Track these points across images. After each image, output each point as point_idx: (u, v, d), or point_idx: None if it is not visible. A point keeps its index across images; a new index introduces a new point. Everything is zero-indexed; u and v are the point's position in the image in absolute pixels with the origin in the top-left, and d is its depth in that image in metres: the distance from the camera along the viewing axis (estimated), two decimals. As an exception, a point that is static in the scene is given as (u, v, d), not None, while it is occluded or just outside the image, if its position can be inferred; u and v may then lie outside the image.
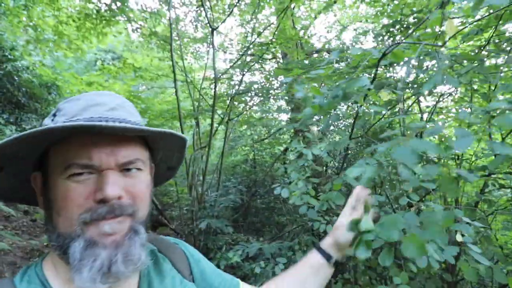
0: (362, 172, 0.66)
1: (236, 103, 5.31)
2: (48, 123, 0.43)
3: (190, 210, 4.99)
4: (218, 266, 3.15)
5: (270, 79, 4.79)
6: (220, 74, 5.04)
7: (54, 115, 0.44)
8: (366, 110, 1.26)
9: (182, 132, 5.97)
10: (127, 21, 5.13)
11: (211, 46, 4.80)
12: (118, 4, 4.44)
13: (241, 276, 3.92)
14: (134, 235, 0.43)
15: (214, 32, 4.47)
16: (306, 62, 3.57)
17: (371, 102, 1.29)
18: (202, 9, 4.57)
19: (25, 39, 6.67)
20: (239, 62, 5.01)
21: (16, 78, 6.50)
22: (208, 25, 4.57)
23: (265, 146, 6.40)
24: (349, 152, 3.63)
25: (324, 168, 3.99)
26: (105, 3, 4.57)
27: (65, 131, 0.40)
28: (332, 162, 3.91)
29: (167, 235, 5.55)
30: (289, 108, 5.18)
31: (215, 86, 4.54)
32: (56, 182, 0.42)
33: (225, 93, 5.45)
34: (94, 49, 7.69)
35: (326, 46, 5.83)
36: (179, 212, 6.03)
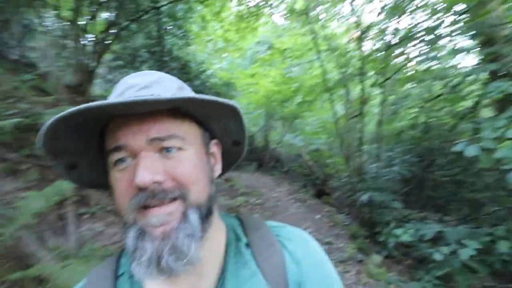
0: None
1: (393, 58, 4.49)
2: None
3: (349, 181, 4.92)
4: (385, 242, 2.92)
5: (438, 14, 3.63)
6: (365, 30, 4.41)
7: None
8: None
9: (333, 103, 5.81)
10: (270, 9, 5.54)
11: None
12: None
13: (417, 259, 3.43)
14: (184, 225, 0.38)
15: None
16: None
17: None
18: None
19: (207, 53, 8.83)
20: (391, 5, 4.14)
21: (207, 83, 8.80)
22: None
23: (442, 105, 5.03)
24: None
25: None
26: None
27: (96, 118, 0.38)
28: None
29: (330, 204, 5.77)
30: (476, 44, 3.73)
31: (361, 43, 4.03)
32: (110, 171, 0.41)
33: (376, 51, 4.72)
34: (252, 44, 8.90)
35: None
36: (339, 183, 6.11)
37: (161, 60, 7.89)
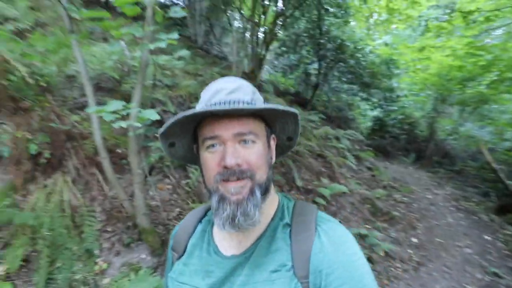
0: None
1: None
2: (196, 108, 0.56)
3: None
4: None
5: None
6: None
7: (198, 102, 0.60)
8: None
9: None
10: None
11: None
12: None
13: None
14: (252, 197, 0.52)
15: None
16: None
17: None
18: None
19: (367, 28, 8.05)
20: None
21: (363, 63, 8.14)
22: None
23: None
24: None
25: None
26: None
27: (198, 115, 0.52)
28: None
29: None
30: None
31: None
32: (201, 152, 0.56)
33: None
34: (425, 10, 7.27)
35: None
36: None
37: (319, 42, 8.04)
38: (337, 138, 5.82)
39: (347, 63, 8.15)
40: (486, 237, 3.66)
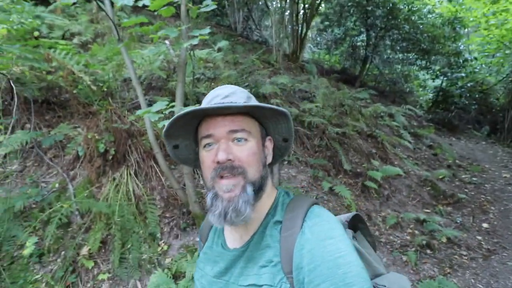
0: None
1: None
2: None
3: None
4: None
5: None
6: None
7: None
8: None
9: None
10: None
11: None
12: None
13: None
14: (243, 194, 0.54)
15: None
16: None
17: None
18: None
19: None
20: None
21: (420, 26, 7.15)
22: None
23: None
24: None
25: None
26: None
27: (196, 116, 0.57)
28: None
29: None
30: None
31: None
32: (200, 152, 0.60)
33: None
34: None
35: None
36: None
37: (366, 10, 7.33)
38: (391, 115, 5.35)
39: (401, 29, 7.26)
40: None
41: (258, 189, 0.57)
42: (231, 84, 4.04)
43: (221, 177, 0.54)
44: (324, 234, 0.50)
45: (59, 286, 1.82)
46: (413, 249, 2.58)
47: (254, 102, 0.62)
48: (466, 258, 2.57)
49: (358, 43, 8.96)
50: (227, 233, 0.66)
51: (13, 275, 1.84)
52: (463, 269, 2.45)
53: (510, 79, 7.72)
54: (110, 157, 2.62)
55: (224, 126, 0.55)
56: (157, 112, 1.56)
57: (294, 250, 0.51)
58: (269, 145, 0.64)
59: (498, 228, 3.03)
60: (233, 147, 0.55)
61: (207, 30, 1.53)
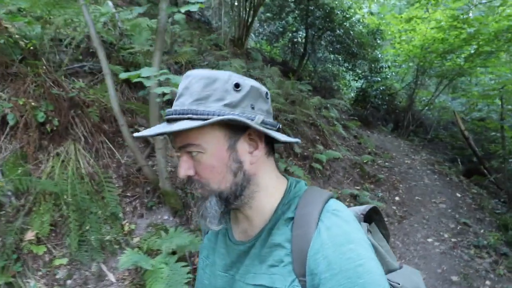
0: None
1: None
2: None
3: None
4: None
5: None
6: None
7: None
8: None
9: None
10: None
11: None
12: None
13: None
14: (203, 204, 0.52)
15: None
16: None
17: None
18: None
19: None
20: None
21: (351, 33, 8.16)
22: None
23: None
24: None
25: None
26: None
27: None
28: None
29: (482, 187, 4.82)
30: None
31: None
32: None
33: None
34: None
35: None
36: (503, 164, 4.74)
37: (307, 9, 7.86)
38: (326, 108, 6.04)
39: (335, 32, 8.12)
40: (457, 194, 4.19)
41: (235, 198, 0.52)
42: (190, 62, 3.86)
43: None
44: (343, 238, 0.46)
45: (3, 277, 1.53)
46: (351, 218, 3.10)
47: (217, 92, 0.49)
48: (387, 223, 3.23)
49: (298, 39, 9.56)
50: (232, 222, 0.62)
51: None
52: (385, 231, 3.09)
53: (410, 88, 9.57)
54: (49, 129, 2.25)
55: (175, 142, 0.52)
56: (147, 77, 1.45)
57: (309, 253, 0.47)
58: (256, 137, 0.52)
59: (405, 200, 3.88)
60: (190, 161, 0.51)
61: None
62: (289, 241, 0.50)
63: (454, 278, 2.44)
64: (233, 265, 0.57)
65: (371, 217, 0.68)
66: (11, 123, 2.04)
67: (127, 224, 2.06)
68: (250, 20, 7.49)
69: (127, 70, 3.07)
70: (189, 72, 0.53)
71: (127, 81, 3.03)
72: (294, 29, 8.93)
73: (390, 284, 0.56)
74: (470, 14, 6.57)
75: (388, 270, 0.61)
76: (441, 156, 7.06)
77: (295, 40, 9.55)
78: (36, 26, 2.64)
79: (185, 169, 0.51)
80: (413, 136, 9.21)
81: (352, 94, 11.28)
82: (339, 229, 0.47)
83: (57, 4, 2.46)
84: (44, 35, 2.65)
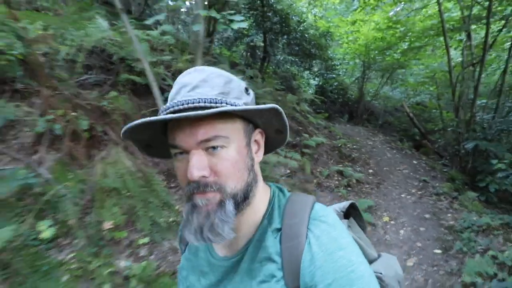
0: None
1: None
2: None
3: (455, 131, 4.91)
4: (487, 189, 3.47)
5: None
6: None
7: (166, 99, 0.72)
8: None
9: (448, 49, 5.41)
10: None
11: None
12: None
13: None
14: (220, 211, 0.46)
15: None
16: None
17: None
18: None
19: (307, 1, 8.92)
20: None
21: (306, 35, 9.08)
22: None
23: None
24: None
25: None
26: None
27: (155, 123, 0.44)
28: None
29: (429, 156, 5.94)
30: None
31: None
32: (173, 159, 0.50)
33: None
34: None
35: None
36: (441, 136, 6.01)
37: (262, 15, 8.50)
38: (298, 104, 6.77)
39: (291, 35, 8.93)
40: (414, 162, 5.20)
41: (243, 200, 0.50)
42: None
43: (195, 193, 0.47)
44: (333, 246, 0.47)
45: (99, 260, 1.76)
46: (342, 188, 3.76)
47: (235, 90, 0.51)
48: (368, 189, 3.98)
49: (255, 44, 10.16)
50: None
51: (28, 264, 1.63)
52: (369, 195, 3.82)
53: (359, 82, 10.94)
54: (89, 136, 2.46)
55: (192, 134, 0.45)
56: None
57: (302, 265, 0.47)
58: (260, 139, 0.55)
59: (377, 171, 4.71)
60: (207, 158, 0.46)
61: (241, 17, 1.92)
62: (279, 255, 0.49)
63: (427, 215, 3.28)
64: (219, 283, 0.54)
65: (349, 212, 0.72)
66: (58, 132, 2.21)
67: (180, 208, 2.37)
68: (211, 29, 7.88)
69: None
70: (199, 67, 0.52)
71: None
72: (250, 34, 9.48)
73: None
74: (401, 17, 7.96)
75: (369, 261, 0.63)
76: (393, 138, 8.33)
77: (252, 44, 10.16)
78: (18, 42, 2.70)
79: (199, 168, 0.45)
80: (367, 123, 10.54)
81: (311, 91, 12.38)
82: (328, 236, 0.48)
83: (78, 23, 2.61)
84: (34, 50, 2.73)
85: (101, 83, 3.28)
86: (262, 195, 0.55)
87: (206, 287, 0.55)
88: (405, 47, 8.12)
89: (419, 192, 3.95)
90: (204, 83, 0.48)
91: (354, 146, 6.03)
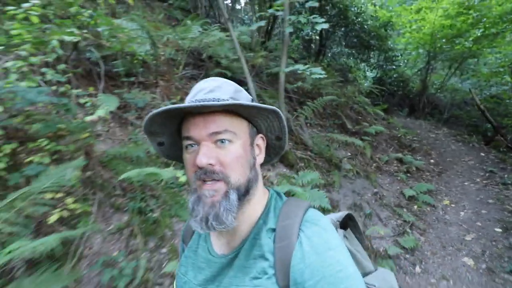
0: None
1: None
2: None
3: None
4: None
5: None
6: None
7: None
8: None
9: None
10: None
11: None
12: None
13: None
14: (225, 201, 0.51)
15: None
16: None
17: None
18: None
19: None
20: None
21: (366, 26, 8.97)
22: None
23: None
24: None
25: None
26: None
27: (174, 115, 0.54)
28: None
29: (500, 150, 5.64)
30: None
31: None
32: (183, 151, 0.56)
33: None
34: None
35: None
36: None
37: (320, 8, 8.65)
38: (356, 95, 6.93)
39: (350, 27, 8.91)
40: (482, 154, 5.03)
41: (244, 194, 0.54)
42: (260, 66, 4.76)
43: (204, 181, 0.52)
44: (323, 246, 0.49)
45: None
46: (401, 173, 3.98)
47: (243, 98, 0.58)
48: (429, 176, 4.11)
49: (311, 37, 10.30)
50: (214, 237, 0.63)
51: (171, 198, 2.40)
52: (429, 181, 3.96)
53: (422, 73, 10.34)
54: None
55: (204, 127, 0.52)
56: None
57: (292, 263, 0.50)
58: (261, 143, 0.61)
59: (439, 161, 4.74)
60: (215, 149, 0.52)
61: (322, 20, 2.38)
62: (271, 253, 0.53)
63: (490, 201, 3.33)
64: (215, 278, 0.58)
65: (346, 224, 0.74)
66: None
67: (268, 172, 2.98)
68: (269, 27, 8.35)
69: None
70: (213, 77, 0.60)
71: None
72: (305, 28, 9.63)
73: (367, 287, 0.61)
74: (475, 1, 7.36)
75: (365, 273, 0.66)
76: (459, 131, 7.85)
77: (307, 37, 10.33)
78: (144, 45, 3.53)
79: (208, 156, 0.50)
80: (430, 117, 9.96)
81: (367, 84, 12.08)
82: (319, 237, 0.51)
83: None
84: (154, 52, 3.57)
85: (195, 77, 4.08)
86: (260, 197, 0.59)
87: (202, 282, 0.59)
88: (479, 34, 7.52)
89: (484, 181, 3.92)
90: (219, 89, 0.56)
91: (415, 138, 6.01)
